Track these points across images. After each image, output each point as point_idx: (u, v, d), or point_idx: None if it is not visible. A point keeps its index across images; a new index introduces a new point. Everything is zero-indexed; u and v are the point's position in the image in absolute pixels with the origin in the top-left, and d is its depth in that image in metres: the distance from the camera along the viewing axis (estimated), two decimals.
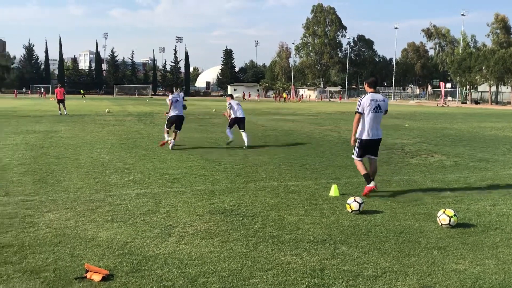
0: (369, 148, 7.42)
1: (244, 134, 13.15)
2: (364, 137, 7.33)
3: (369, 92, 7.42)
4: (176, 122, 12.91)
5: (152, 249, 4.72)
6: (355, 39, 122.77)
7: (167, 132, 13.32)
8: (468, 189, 7.86)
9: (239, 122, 13.32)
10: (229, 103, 13.51)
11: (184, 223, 5.63)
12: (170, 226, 5.52)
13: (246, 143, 12.93)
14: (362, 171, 7.35)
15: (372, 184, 7.21)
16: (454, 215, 5.59)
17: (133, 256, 4.49)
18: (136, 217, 5.84)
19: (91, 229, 5.35)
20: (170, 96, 13.01)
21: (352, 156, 7.58)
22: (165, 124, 13.38)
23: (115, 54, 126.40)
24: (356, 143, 7.46)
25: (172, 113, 12.92)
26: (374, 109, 7.26)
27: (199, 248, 4.77)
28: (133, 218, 5.82)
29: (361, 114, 7.30)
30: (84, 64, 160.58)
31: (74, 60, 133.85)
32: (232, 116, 13.35)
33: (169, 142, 12.61)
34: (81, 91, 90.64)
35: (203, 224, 5.60)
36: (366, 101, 7.28)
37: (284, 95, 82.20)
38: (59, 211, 6.06)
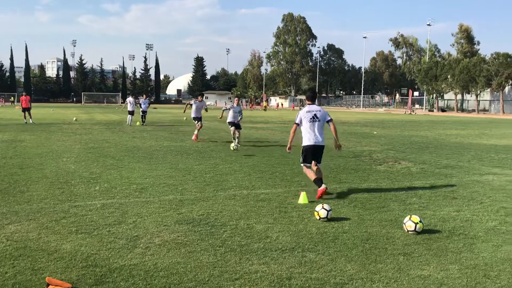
0: (311, 154, 8.04)
1: None
2: (305, 143, 8.07)
3: (307, 105, 8.29)
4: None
5: (117, 260, 4.62)
6: (325, 48, 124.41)
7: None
8: (433, 195, 8.01)
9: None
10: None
11: (151, 234, 5.54)
12: (136, 237, 5.42)
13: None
14: (312, 177, 7.92)
15: (323, 186, 7.66)
16: (420, 221, 5.69)
17: (97, 268, 4.38)
18: (102, 228, 5.72)
19: (54, 241, 5.21)
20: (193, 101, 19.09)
21: (301, 164, 8.18)
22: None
23: (83, 62, 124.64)
24: (301, 150, 8.16)
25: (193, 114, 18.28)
26: (311, 119, 8.04)
27: (165, 259, 4.70)
28: (98, 229, 5.70)
29: (298, 125, 8.15)
30: (51, 71, 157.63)
31: (41, 68, 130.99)
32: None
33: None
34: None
35: (171, 235, 5.52)
36: (303, 113, 8.14)
37: (265, 103, 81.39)
38: (21, 223, 5.88)
